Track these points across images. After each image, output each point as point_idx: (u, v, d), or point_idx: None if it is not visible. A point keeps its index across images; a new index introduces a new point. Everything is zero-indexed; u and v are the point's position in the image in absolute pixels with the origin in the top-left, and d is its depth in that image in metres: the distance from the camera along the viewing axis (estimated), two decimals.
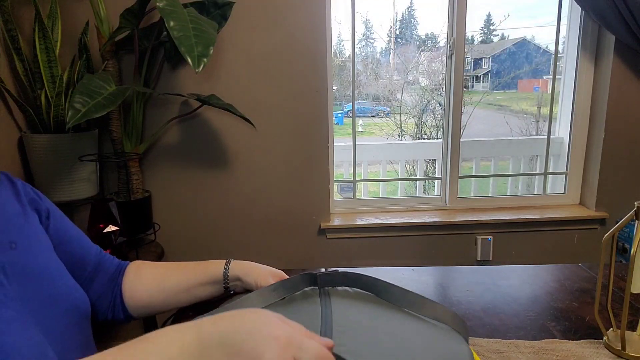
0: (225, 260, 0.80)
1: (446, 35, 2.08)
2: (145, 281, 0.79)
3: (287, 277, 0.74)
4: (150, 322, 1.86)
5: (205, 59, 1.33)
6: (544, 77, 4.35)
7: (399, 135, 4.31)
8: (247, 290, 0.78)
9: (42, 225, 0.68)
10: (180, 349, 0.40)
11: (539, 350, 0.74)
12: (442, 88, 2.35)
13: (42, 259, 0.63)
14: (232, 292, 0.80)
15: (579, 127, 2.15)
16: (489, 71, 4.57)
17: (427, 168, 3.56)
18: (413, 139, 4.25)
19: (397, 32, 4.14)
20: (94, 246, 0.78)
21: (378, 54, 4.30)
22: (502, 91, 4.59)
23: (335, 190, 2.21)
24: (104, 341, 2.29)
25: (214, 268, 0.79)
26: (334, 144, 2.09)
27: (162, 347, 0.41)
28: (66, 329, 0.61)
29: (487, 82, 4.59)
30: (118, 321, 0.78)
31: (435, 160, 2.97)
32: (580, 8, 1.98)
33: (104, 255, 0.79)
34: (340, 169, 2.81)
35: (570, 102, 2.15)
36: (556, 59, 2.16)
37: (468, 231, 2.11)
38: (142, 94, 1.75)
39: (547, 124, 2.27)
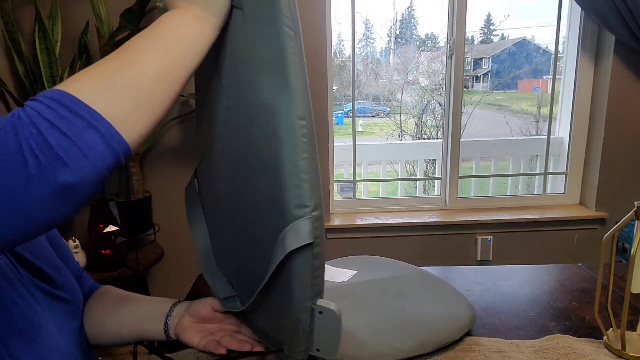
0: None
1: (446, 35, 2.08)
2: (103, 303, 0.76)
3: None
4: None
5: None
6: (544, 77, 4.35)
7: (399, 135, 4.30)
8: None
9: None
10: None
11: (539, 350, 0.74)
12: (442, 88, 2.35)
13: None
14: (169, 338, 0.74)
15: (579, 127, 2.15)
16: (489, 71, 4.56)
17: (427, 168, 3.55)
18: (413, 139, 4.25)
19: (397, 32, 4.14)
20: (75, 261, 0.77)
21: (378, 54, 4.30)
22: (502, 91, 4.59)
23: (335, 190, 2.21)
24: None
25: (163, 302, 0.75)
26: (334, 144, 2.09)
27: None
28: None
29: (487, 82, 4.59)
30: None
31: (435, 160, 2.97)
32: (580, 8, 1.98)
33: (83, 273, 0.78)
34: (340, 169, 2.81)
35: (570, 102, 2.15)
36: (556, 59, 2.16)
37: (468, 231, 2.11)
38: None
39: (547, 124, 2.27)
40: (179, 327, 0.72)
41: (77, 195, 0.39)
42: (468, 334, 0.82)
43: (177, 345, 0.79)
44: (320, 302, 0.58)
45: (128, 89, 0.42)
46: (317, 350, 0.61)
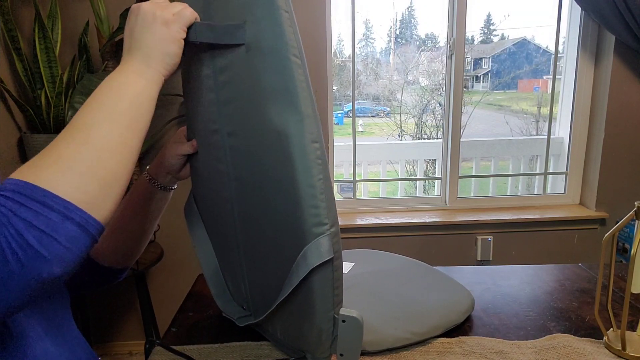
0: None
1: (446, 35, 2.08)
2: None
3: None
4: (149, 319, 1.86)
5: None
6: (544, 77, 4.35)
7: (399, 135, 4.30)
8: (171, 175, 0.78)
9: None
10: (121, 77, 0.52)
11: (540, 350, 0.74)
12: (442, 88, 2.35)
13: None
14: (171, 188, 0.79)
15: (579, 127, 2.15)
16: (489, 71, 4.56)
17: (427, 168, 3.55)
18: (413, 139, 4.25)
19: (397, 32, 4.14)
20: None
21: (378, 54, 4.29)
22: (502, 91, 4.59)
23: (335, 190, 2.21)
24: (105, 341, 2.29)
25: (137, 184, 0.78)
26: (334, 144, 2.09)
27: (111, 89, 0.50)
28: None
29: (487, 82, 4.59)
30: (90, 275, 0.77)
31: (435, 160, 2.97)
32: (580, 8, 1.98)
33: None
34: (340, 169, 2.80)
35: (571, 102, 2.15)
36: (556, 59, 2.16)
37: (468, 231, 2.11)
38: None
39: (547, 124, 2.27)
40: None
41: (60, 279, 0.41)
42: (468, 319, 0.85)
43: (183, 339, 0.79)
44: (342, 310, 0.61)
45: (91, 170, 0.43)
46: (341, 355, 0.63)
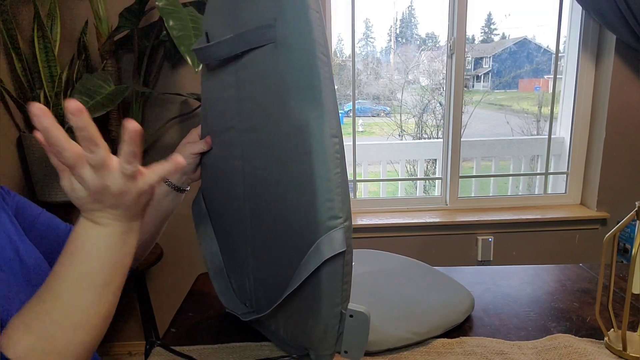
0: None
1: (447, 34, 2.07)
2: None
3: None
4: (149, 319, 1.86)
5: None
6: (545, 76, 4.35)
7: (399, 135, 4.30)
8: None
9: (13, 213, 0.68)
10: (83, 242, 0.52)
11: (541, 351, 0.74)
12: (443, 87, 2.34)
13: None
14: (184, 189, 0.80)
15: (579, 127, 2.14)
16: (489, 71, 4.56)
17: (427, 168, 3.55)
18: (413, 139, 4.25)
19: (398, 32, 4.13)
20: (63, 223, 0.76)
21: (378, 54, 4.29)
22: (503, 91, 4.59)
23: None
24: (104, 341, 2.28)
25: None
26: None
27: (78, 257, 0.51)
28: None
29: (488, 81, 4.59)
30: None
31: (435, 160, 2.96)
32: (581, 7, 1.97)
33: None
34: None
35: (571, 102, 2.15)
36: (557, 58, 2.15)
37: (469, 231, 2.10)
38: (142, 94, 1.74)
39: (548, 123, 2.27)
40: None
41: None
42: (469, 320, 0.85)
43: (183, 340, 0.79)
44: (350, 305, 0.61)
45: (85, 348, 0.49)
46: (345, 352, 0.63)
